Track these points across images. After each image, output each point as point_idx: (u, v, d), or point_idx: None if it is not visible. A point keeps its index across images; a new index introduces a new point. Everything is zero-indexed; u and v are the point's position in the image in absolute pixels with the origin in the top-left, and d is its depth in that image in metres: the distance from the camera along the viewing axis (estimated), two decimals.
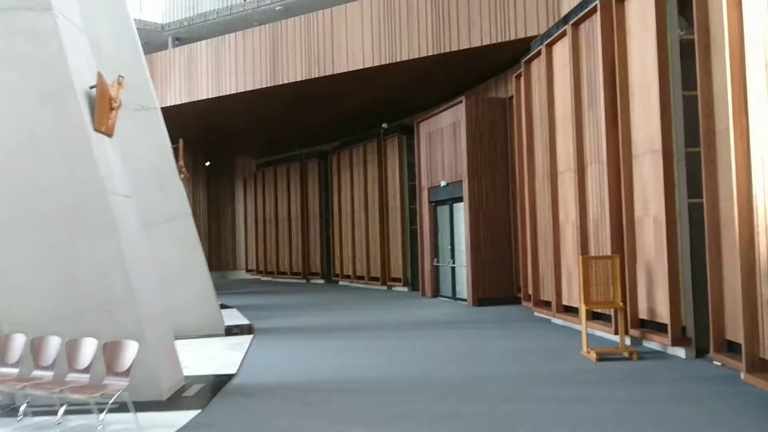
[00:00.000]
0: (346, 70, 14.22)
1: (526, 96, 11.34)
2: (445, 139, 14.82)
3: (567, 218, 9.79)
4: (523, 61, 11.41)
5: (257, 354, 8.65)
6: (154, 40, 19.26)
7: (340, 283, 21.15)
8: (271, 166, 24.99)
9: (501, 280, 13.56)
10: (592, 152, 8.96)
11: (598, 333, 8.79)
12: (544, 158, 10.49)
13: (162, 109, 17.59)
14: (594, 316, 8.81)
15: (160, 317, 6.75)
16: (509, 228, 13.69)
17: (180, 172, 10.59)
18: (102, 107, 6.55)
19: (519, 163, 11.88)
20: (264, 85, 15.43)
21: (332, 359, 8.22)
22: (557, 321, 10.28)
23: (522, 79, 11.56)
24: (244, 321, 12.11)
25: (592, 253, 8.97)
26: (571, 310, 9.84)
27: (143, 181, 10.29)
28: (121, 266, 6.18)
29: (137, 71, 10.35)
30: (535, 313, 11.10)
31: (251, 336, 10.12)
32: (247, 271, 27.27)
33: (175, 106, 17.19)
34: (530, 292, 11.26)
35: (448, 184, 14.70)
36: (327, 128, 20.47)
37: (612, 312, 8.26)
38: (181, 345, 9.43)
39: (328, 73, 14.45)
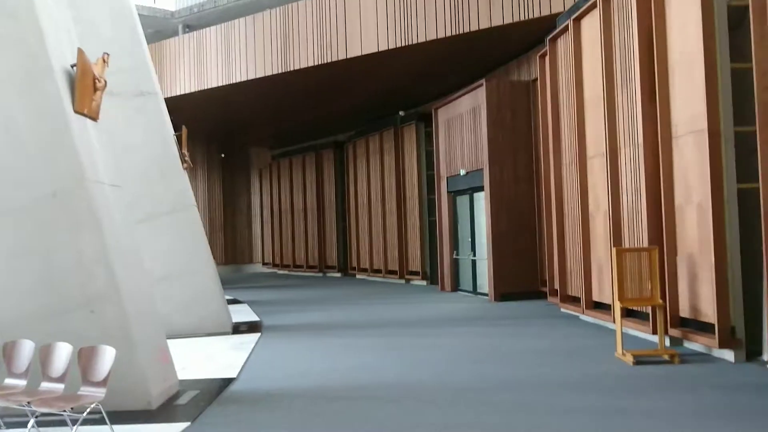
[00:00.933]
0: (359, 54, 13.53)
1: (552, 76, 10.54)
2: (464, 125, 14.07)
3: (597, 207, 9.01)
4: (548, 39, 10.61)
5: (262, 355, 8.06)
6: (165, 28, 18.76)
7: (357, 276, 20.54)
8: (286, 156, 24.42)
9: (525, 273, 12.81)
10: (627, 134, 8.17)
11: (634, 332, 8.02)
12: (571, 143, 9.71)
13: (172, 98, 17.19)
14: (628, 314, 8.04)
15: (150, 317, 6.17)
16: (533, 218, 12.91)
17: (183, 161, 10.02)
18: (84, 87, 5.96)
19: (544, 148, 11.11)
20: (275, 72, 14.81)
21: (341, 360, 7.58)
22: (586, 318, 9.52)
23: (547, 58, 10.76)
24: (254, 317, 11.54)
25: (627, 244, 8.19)
26: (601, 307, 9.09)
27: (143, 170, 9.76)
28: (105, 262, 5.59)
29: (137, 55, 9.80)
30: (562, 310, 10.35)
31: (258, 334, 9.54)
32: (264, 264, 26.81)
33: (186, 94, 16.67)
34: (556, 286, 10.51)
35: (467, 172, 13.96)
36: (342, 117, 19.82)
37: (649, 310, 7.48)
38: (181, 345, 8.93)
39: (341, 57, 13.77)
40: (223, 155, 27.02)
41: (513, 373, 6.57)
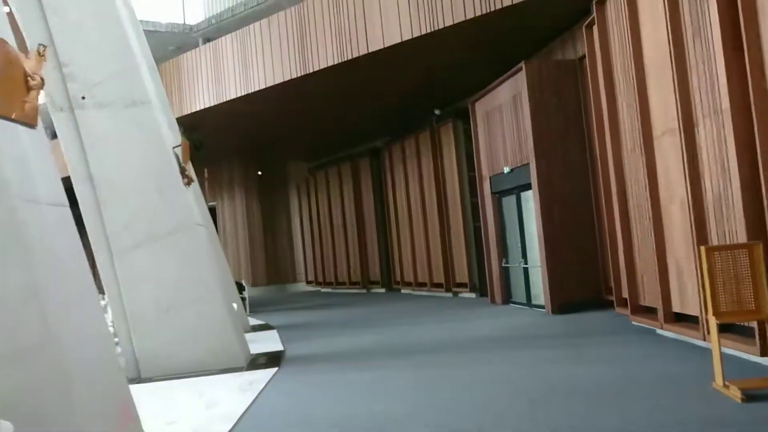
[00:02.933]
0: (382, 47, 12.18)
1: (603, 47, 8.91)
2: (505, 116, 12.50)
3: (671, 196, 7.31)
4: (595, 2, 8.99)
5: (271, 398, 6.73)
6: (185, 44, 17.98)
7: (403, 291, 19.11)
8: (322, 169, 23.32)
9: (586, 280, 11.10)
10: (705, 101, 6.48)
11: (730, 352, 6.29)
12: (632, 121, 8.04)
13: (193, 114, 16.35)
14: (723, 329, 6.30)
15: (103, 366, 4.92)
16: (592, 215, 11.21)
17: (183, 176, 8.88)
18: (10, 86, 4.81)
19: (599, 133, 9.45)
20: (294, 76, 13.64)
21: (363, 404, 6.16)
22: (666, 333, 7.79)
23: (595, 27, 9.14)
24: (277, 346, 10.27)
25: (714, 240, 6.49)
26: (685, 319, 7.36)
27: (139, 188, 8.67)
28: (36, 303, 4.39)
29: (127, 63, 8.75)
30: (634, 323, 8.63)
31: (275, 369, 8.24)
32: (308, 282, 25.73)
33: (208, 109, 15.74)
34: (625, 295, 8.80)
35: (512, 169, 12.37)
36: (376, 122, 18.52)
37: (755, 325, 5.76)
38: (182, 387, 7.71)
39: (362, 53, 12.46)
40: (260, 173, 26.20)
41: (581, 421, 4.99)
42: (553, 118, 11.34)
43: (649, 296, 8.06)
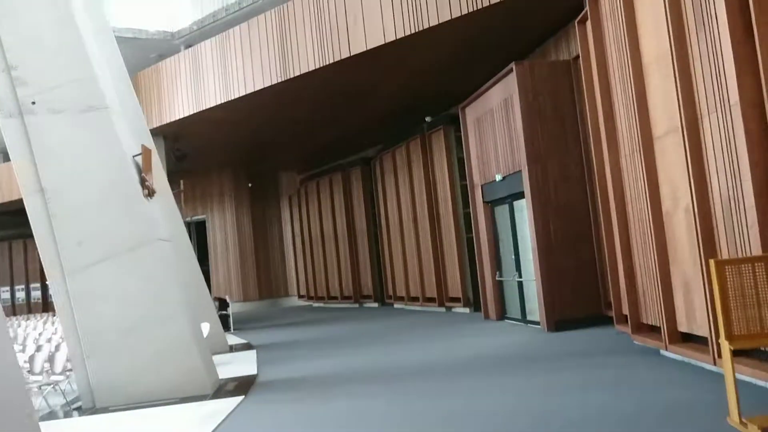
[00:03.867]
0: (365, 49, 11.53)
1: (596, 42, 8.23)
2: (496, 121, 11.82)
3: (675, 202, 6.59)
4: None
5: None
6: (167, 51, 17.37)
7: (395, 306, 18.35)
8: (313, 179, 22.64)
9: (584, 295, 10.36)
10: (711, 96, 5.78)
11: (746, 378, 5.54)
12: (630, 121, 7.34)
13: (173, 123, 15.70)
14: (737, 352, 5.56)
15: (8, 411, 4.20)
16: (589, 225, 10.49)
17: (143, 187, 8.18)
18: None
19: (595, 137, 8.74)
20: (275, 81, 13.00)
21: None
22: (671, 355, 7.04)
23: (588, 22, 8.47)
24: (251, 370, 9.53)
25: (725, 253, 5.76)
26: (692, 339, 6.62)
27: (97, 200, 7.99)
28: None
29: (84, 68, 8.09)
30: (636, 342, 7.88)
31: (242, 397, 7.49)
32: (300, 297, 24.96)
33: (188, 117, 15.10)
34: (626, 311, 8.06)
35: (504, 177, 11.67)
36: (365, 130, 17.88)
37: None
38: (131, 419, 6.98)
39: (345, 55, 11.81)
40: (250, 185, 25.53)
41: None
42: (547, 122, 10.65)
43: (652, 314, 7.31)
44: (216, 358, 11.02)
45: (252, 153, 21.08)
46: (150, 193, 8.32)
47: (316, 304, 22.90)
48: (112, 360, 7.81)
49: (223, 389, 8.14)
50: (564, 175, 10.59)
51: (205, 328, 10.45)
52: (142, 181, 8.21)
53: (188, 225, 27.23)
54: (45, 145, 7.95)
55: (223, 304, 16.76)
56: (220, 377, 8.98)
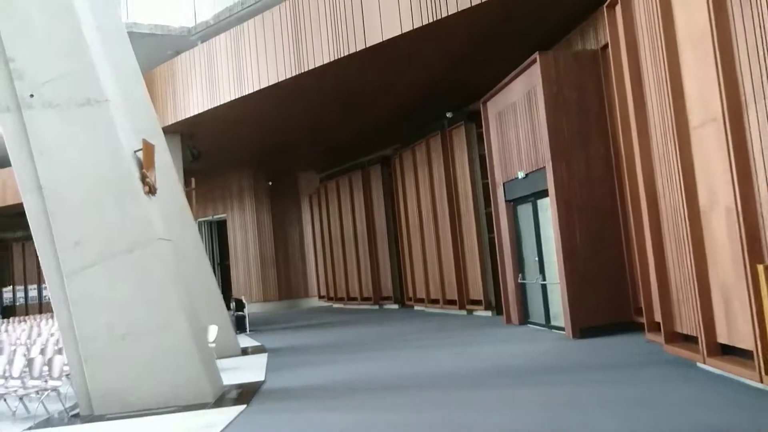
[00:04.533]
0: (381, 40, 11.03)
1: (627, 26, 7.60)
2: (519, 115, 11.22)
3: (713, 200, 5.96)
4: None
5: None
6: (184, 47, 17.10)
7: (416, 308, 17.82)
8: (332, 179, 22.23)
9: (612, 299, 9.71)
10: (758, 80, 5.14)
11: None
12: (663, 111, 6.70)
13: (188, 119, 15.41)
14: None
15: None
16: (617, 225, 9.84)
17: (144, 183, 7.81)
18: None
19: (624, 130, 8.11)
20: (290, 75, 12.58)
21: None
22: (709, 368, 6.39)
23: (618, 6, 7.84)
24: (259, 376, 9.10)
25: None
26: (733, 351, 5.97)
27: (94, 199, 7.63)
28: None
29: (80, 59, 7.75)
30: (668, 353, 7.22)
31: (243, 407, 7.06)
32: (320, 297, 24.59)
33: (208, 114, 14.78)
34: (658, 319, 7.42)
35: (527, 174, 11.07)
36: (384, 128, 17.38)
37: None
38: (126, 428, 6.61)
39: (360, 47, 11.33)
40: (270, 183, 25.24)
41: None
42: (572, 116, 10.03)
43: (688, 322, 6.67)
44: (226, 362, 10.69)
45: (270, 152, 20.75)
46: (151, 190, 7.94)
47: (335, 305, 22.50)
48: (109, 366, 7.45)
49: (225, 397, 7.72)
50: (590, 172, 9.95)
51: (213, 331, 10.07)
52: (143, 178, 7.84)
53: (209, 224, 27.20)
54: (42, 140, 7.63)
55: (239, 305, 16.44)
56: (228, 383, 8.58)
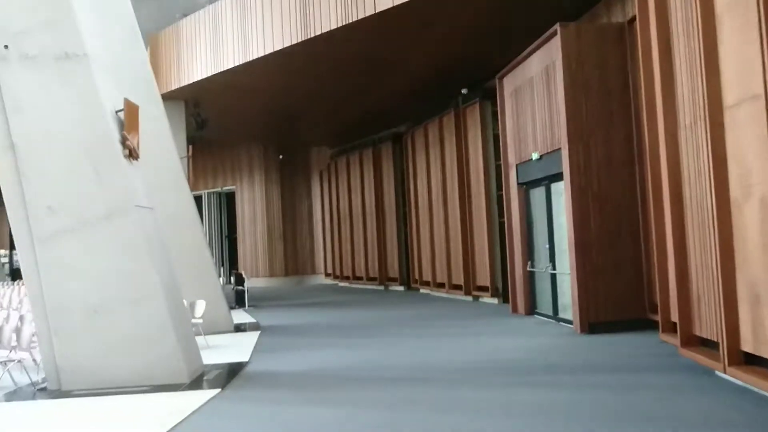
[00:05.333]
0: (390, 5, 10.31)
1: None
2: (535, 92, 10.48)
3: (746, 191, 5.25)
4: None
5: None
6: (191, 10, 16.45)
7: (421, 290, 17.27)
8: (343, 155, 21.61)
9: (624, 294, 9.04)
10: None
11: None
12: (694, 88, 5.97)
13: (192, 85, 14.83)
14: None
15: None
16: (636, 215, 9.12)
17: (124, 146, 7.27)
18: None
19: (649, 110, 7.35)
20: (296, 40, 11.92)
21: None
22: (730, 379, 5.72)
23: None
24: (244, 356, 8.61)
25: None
26: (759, 361, 5.31)
27: (68, 160, 7.13)
28: None
29: (60, 9, 7.18)
30: (684, 357, 6.57)
31: (218, 391, 6.56)
32: (326, 275, 24.14)
33: (212, 80, 14.21)
34: (675, 318, 6.75)
35: (542, 156, 10.36)
36: (397, 103, 16.67)
37: None
38: (88, 404, 6.16)
39: (369, 12, 10.62)
40: (281, 156, 24.70)
41: None
42: (592, 95, 9.27)
43: (708, 325, 6.00)
44: (215, 339, 10.24)
45: (279, 124, 20.16)
46: (132, 154, 7.40)
47: (341, 284, 22.04)
48: (79, 339, 6.99)
49: (202, 379, 7.23)
50: (609, 156, 9.22)
51: (200, 306, 9.60)
52: (123, 140, 7.29)
53: (218, 195, 26.78)
54: (17, 96, 7.10)
55: (239, 279, 16.02)
56: (211, 362, 8.13)
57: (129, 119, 7.46)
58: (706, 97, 5.64)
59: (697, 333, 6.32)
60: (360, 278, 20.56)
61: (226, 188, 25.83)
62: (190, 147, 12.96)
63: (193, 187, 26.54)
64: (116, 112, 7.44)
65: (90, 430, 5.53)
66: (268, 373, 7.58)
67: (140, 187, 7.63)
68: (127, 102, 7.48)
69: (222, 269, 24.16)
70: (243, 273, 16.02)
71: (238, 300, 15.76)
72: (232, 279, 16.02)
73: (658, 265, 7.29)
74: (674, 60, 6.52)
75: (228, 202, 26.72)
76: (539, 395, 5.87)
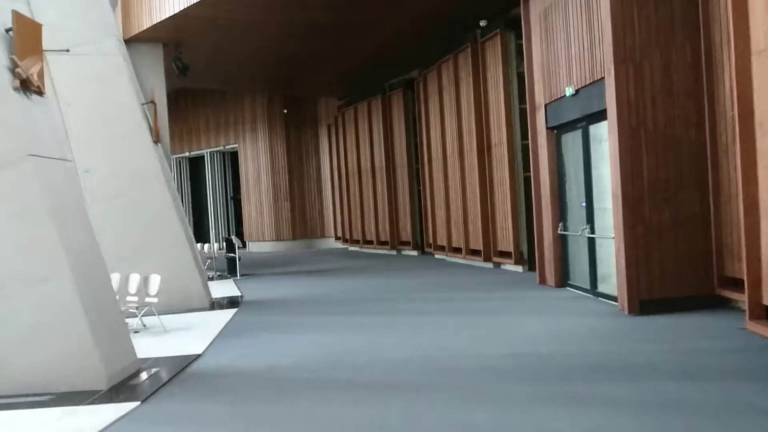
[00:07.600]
0: None
1: None
2: (571, 10, 8.30)
3: None
4: None
5: None
6: None
7: (436, 256, 15.40)
8: (351, 105, 19.55)
9: (687, 264, 7.02)
10: None
11: None
12: None
13: (168, 22, 12.84)
14: None
15: None
16: (704, 161, 7.00)
17: (14, 75, 5.40)
18: None
19: (735, 16, 5.20)
20: None
21: None
22: None
23: None
24: (201, 346, 6.83)
25: None
26: None
27: None
28: None
29: None
30: None
31: (133, 405, 4.81)
32: (336, 239, 22.39)
33: (189, 14, 12.22)
34: (762, 294, 4.76)
35: (577, 90, 8.25)
36: (408, 44, 14.50)
37: None
38: None
39: None
40: (285, 111, 22.72)
41: None
42: (647, 12, 7.07)
43: None
44: (178, 320, 8.55)
45: (279, 70, 18.11)
46: (28, 86, 5.53)
47: (351, 248, 20.28)
48: None
49: (126, 384, 5.48)
50: (667, 84, 7.07)
51: (155, 281, 7.84)
52: (13, 67, 5.42)
53: (221, 155, 25.01)
54: None
55: (230, 246, 14.33)
56: (154, 354, 6.44)
57: (22, 39, 5.56)
58: None
59: None
60: (370, 242, 18.76)
61: (229, 147, 24.05)
62: (153, 91, 11.02)
63: (194, 146, 25.16)
64: (6, 30, 5.54)
65: None
66: (217, 373, 5.81)
67: (47, 131, 5.79)
68: (18, 16, 5.57)
69: (230, 234, 22.56)
70: (234, 238, 14.29)
71: (230, 269, 14.11)
72: (223, 245, 14.36)
73: (746, 227, 5.27)
74: None
75: (232, 160, 24.98)
76: (570, 419, 3.95)
